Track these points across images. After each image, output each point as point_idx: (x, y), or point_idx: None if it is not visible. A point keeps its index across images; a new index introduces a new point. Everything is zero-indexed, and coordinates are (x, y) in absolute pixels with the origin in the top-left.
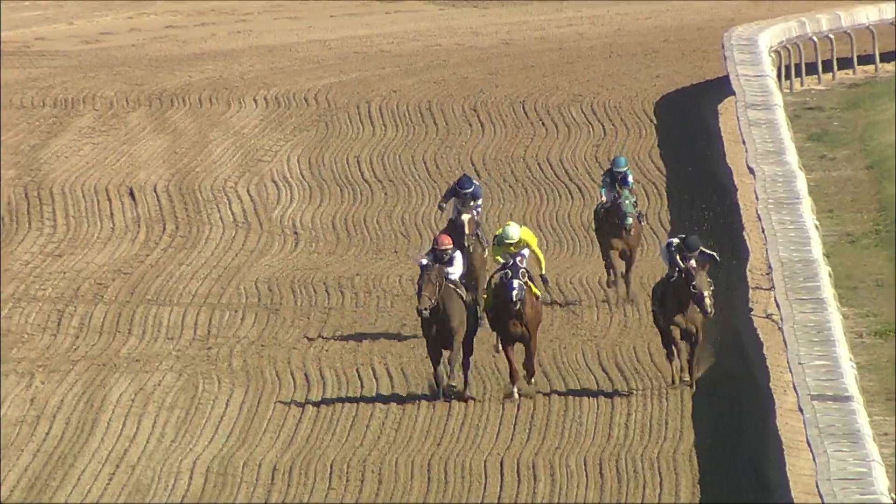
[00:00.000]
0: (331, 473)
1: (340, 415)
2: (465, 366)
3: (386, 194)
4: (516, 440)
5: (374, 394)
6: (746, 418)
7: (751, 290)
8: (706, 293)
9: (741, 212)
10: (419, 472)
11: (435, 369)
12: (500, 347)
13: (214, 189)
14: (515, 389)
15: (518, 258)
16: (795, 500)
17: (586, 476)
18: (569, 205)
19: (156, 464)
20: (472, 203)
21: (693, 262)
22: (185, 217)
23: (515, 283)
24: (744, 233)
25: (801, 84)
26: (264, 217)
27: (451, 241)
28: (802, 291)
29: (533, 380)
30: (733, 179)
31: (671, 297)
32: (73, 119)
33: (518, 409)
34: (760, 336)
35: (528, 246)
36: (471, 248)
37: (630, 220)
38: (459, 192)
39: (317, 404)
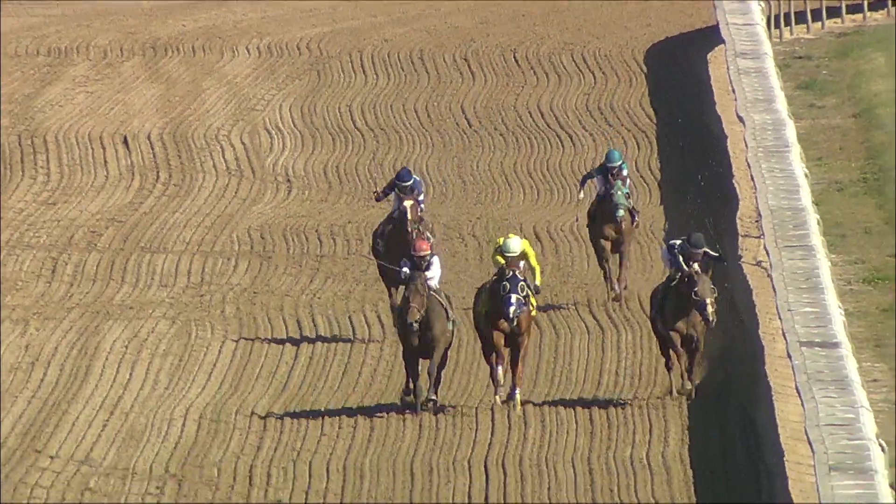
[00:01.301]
0: (322, 420)
1: (332, 362)
2: (438, 380)
3: (378, 142)
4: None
5: (365, 341)
6: (736, 365)
7: (740, 238)
8: (709, 300)
9: (731, 160)
10: (410, 419)
11: (412, 383)
12: (484, 353)
13: (207, 137)
14: (512, 393)
15: (517, 270)
16: (784, 446)
17: (576, 423)
18: (559, 153)
19: (149, 410)
20: (413, 193)
21: (696, 266)
22: (179, 165)
23: (513, 297)
24: (733, 181)
25: (791, 33)
26: (257, 165)
27: (428, 247)
28: (791, 239)
29: (517, 392)
30: (723, 128)
31: (672, 302)
32: (67, 68)
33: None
34: (750, 283)
35: (526, 258)
36: (414, 235)
37: (622, 212)
38: (399, 185)
39: (309, 351)
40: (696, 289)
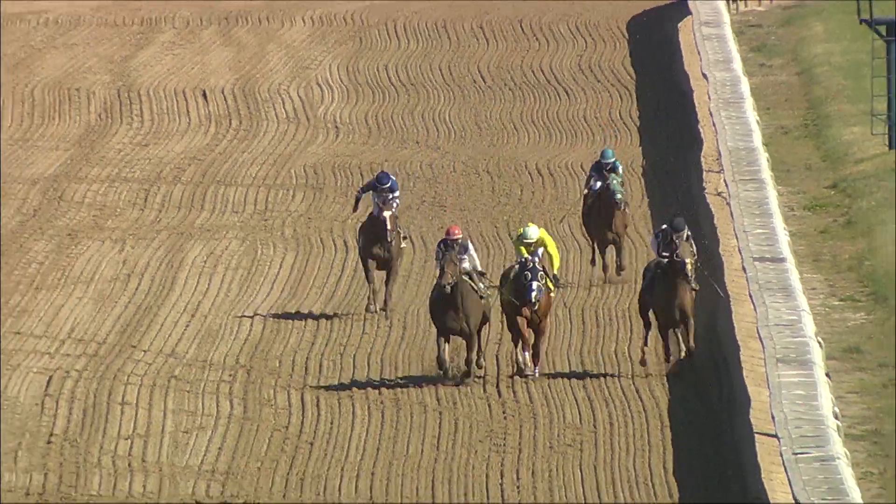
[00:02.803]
0: (365, 321)
1: None
2: (468, 371)
3: (409, 96)
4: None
5: (414, 262)
6: (701, 277)
7: (704, 173)
8: (688, 261)
9: (696, 109)
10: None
11: (441, 355)
12: (510, 331)
13: (270, 91)
14: (530, 366)
15: (536, 259)
16: (740, 342)
17: (571, 324)
18: (557, 104)
19: (223, 313)
20: (390, 196)
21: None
22: (247, 114)
23: (535, 285)
24: (699, 126)
25: (745, 6)
26: (311, 114)
27: (460, 231)
28: (746, 173)
29: (537, 369)
30: (690, 83)
31: (660, 284)
32: (156, 35)
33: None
34: (712, 209)
35: (544, 246)
36: (392, 241)
37: (619, 196)
38: (378, 187)
39: (353, 265)
40: (677, 251)
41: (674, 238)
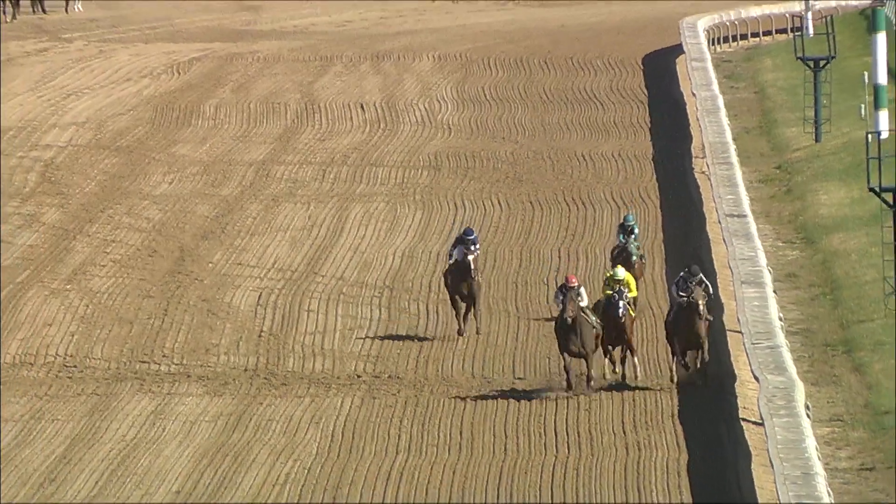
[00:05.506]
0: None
1: (480, 227)
2: (590, 377)
3: (498, 106)
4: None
5: (500, 217)
6: (691, 227)
7: (693, 158)
8: (700, 302)
9: (688, 116)
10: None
11: (567, 368)
12: (602, 345)
13: (405, 104)
14: (616, 371)
15: (622, 289)
16: (716, 270)
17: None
18: (597, 112)
19: (375, 251)
20: (472, 247)
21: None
22: (390, 119)
23: (621, 303)
24: (689, 127)
25: (721, 47)
26: (433, 119)
27: (576, 280)
28: (720, 158)
29: (637, 368)
30: (684, 99)
31: (680, 317)
32: (329, 67)
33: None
34: (698, 182)
35: (628, 285)
36: (476, 279)
37: (635, 257)
38: (465, 239)
39: (465, 222)
40: (692, 294)
41: (689, 282)
